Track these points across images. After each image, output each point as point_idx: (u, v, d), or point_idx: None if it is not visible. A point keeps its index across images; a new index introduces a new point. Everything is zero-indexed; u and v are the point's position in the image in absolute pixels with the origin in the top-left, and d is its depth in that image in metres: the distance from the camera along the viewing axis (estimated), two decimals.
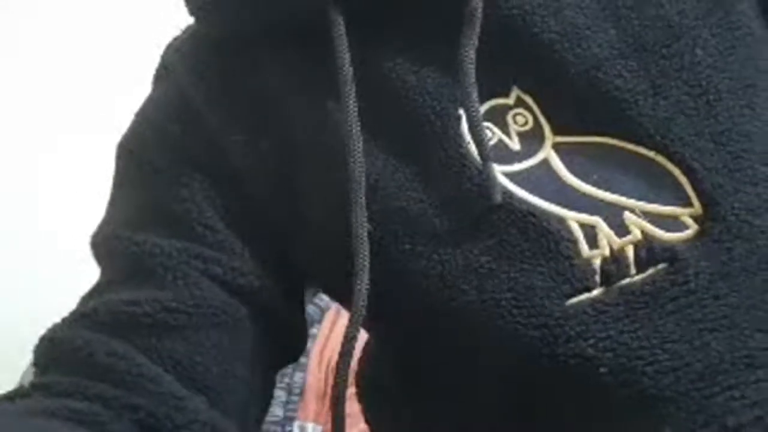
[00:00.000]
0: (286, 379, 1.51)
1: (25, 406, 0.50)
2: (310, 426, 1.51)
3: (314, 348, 1.55)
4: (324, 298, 1.58)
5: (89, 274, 0.59)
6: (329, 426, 1.53)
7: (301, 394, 1.52)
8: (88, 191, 0.61)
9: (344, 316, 1.58)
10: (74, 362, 0.52)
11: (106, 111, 0.62)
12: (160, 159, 0.58)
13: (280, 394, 1.49)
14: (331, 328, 1.59)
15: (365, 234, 0.52)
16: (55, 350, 0.53)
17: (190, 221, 0.56)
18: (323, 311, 1.57)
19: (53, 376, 0.52)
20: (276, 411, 1.48)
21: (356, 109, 0.53)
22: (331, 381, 1.55)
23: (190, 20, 0.63)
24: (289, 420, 1.49)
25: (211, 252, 0.56)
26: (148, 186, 0.59)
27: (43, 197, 1.75)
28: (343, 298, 0.58)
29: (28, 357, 0.55)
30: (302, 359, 1.52)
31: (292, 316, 0.60)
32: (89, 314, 0.54)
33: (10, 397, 0.52)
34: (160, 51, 0.64)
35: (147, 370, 0.51)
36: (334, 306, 1.60)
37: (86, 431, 0.48)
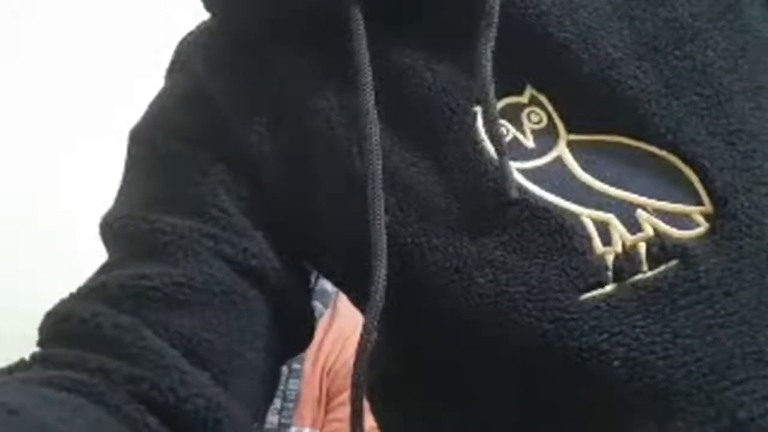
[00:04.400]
0: (281, 386, 1.50)
1: (21, 376, 0.49)
2: (307, 431, 1.51)
3: (308, 354, 1.55)
4: (317, 305, 1.58)
5: None
6: (326, 431, 1.53)
7: (296, 400, 1.51)
8: (106, 192, 0.61)
9: (337, 324, 1.58)
10: (80, 334, 0.51)
11: (121, 113, 0.62)
12: (174, 145, 0.58)
13: (274, 401, 1.48)
14: (325, 335, 1.58)
15: (383, 225, 0.52)
16: (61, 323, 0.53)
17: (203, 203, 0.56)
18: (316, 318, 1.57)
19: (56, 349, 0.51)
20: (271, 418, 1.47)
21: (374, 102, 0.53)
22: (325, 386, 1.55)
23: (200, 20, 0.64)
24: (284, 427, 1.48)
25: (223, 233, 0.55)
26: (161, 170, 0.58)
27: (63, 195, 1.75)
28: (356, 290, 0.58)
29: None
30: (296, 365, 1.52)
31: (301, 303, 0.60)
32: (97, 288, 0.54)
33: (9, 370, 0.51)
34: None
35: (152, 343, 0.51)
36: (328, 313, 1.60)
37: (82, 400, 0.47)
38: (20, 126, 1.80)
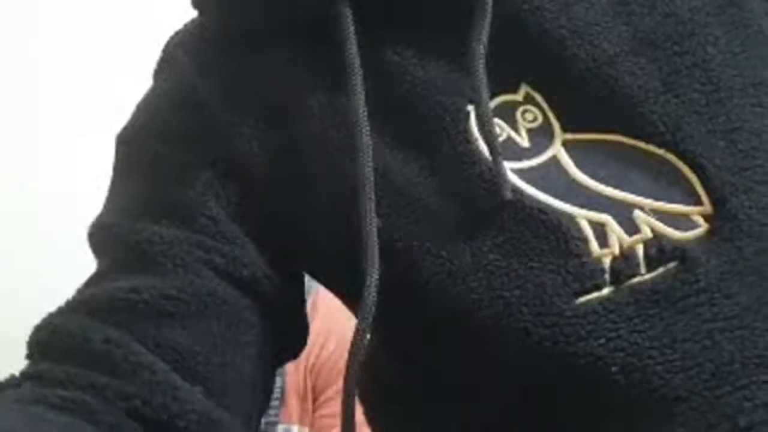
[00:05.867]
0: None
1: (13, 394, 0.48)
2: (295, 428, 1.49)
3: None
4: None
5: None
6: (315, 428, 1.52)
7: (281, 398, 1.50)
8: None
9: (318, 319, 1.57)
10: (69, 349, 0.50)
11: (122, 113, 0.61)
12: (162, 148, 0.57)
13: None
14: None
15: (374, 230, 0.50)
16: (50, 338, 0.51)
17: (192, 211, 0.54)
18: None
19: (46, 365, 0.50)
20: None
21: (364, 104, 0.52)
22: (310, 382, 1.54)
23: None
24: (271, 425, 1.47)
25: (212, 242, 0.54)
26: (148, 175, 0.57)
27: (62, 195, 1.74)
28: (348, 294, 0.57)
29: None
30: None
31: (293, 310, 0.59)
32: (86, 301, 0.52)
33: (1, 387, 0.50)
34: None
35: (143, 359, 0.50)
36: (309, 306, 1.58)
37: (74, 419, 0.46)
38: (19, 126, 1.79)
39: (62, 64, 1.83)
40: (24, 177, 1.78)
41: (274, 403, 1.48)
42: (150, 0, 1.80)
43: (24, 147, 1.79)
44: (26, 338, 0.53)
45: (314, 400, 1.52)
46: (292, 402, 1.51)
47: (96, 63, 1.82)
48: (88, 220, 0.58)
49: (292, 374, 1.51)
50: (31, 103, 1.82)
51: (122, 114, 0.61)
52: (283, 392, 1.50)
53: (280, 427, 1.48)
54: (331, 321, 1.48)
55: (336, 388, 1.48)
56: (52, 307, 0.54)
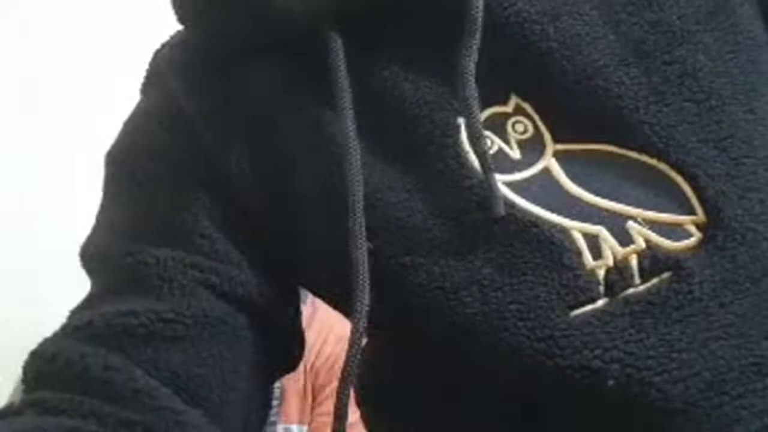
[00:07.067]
0: None
1: (17, 425, 0.47)
2: (295, 428, 1.50)
3: None
4: None
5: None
6: (313, 427, 1.52)
7: (281, 397, 1.50)
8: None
9: (317, 320, 1.56)
10: (69, 377, 0.49)
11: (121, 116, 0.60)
12: (152, 166, 0.56)
13: None
14: (306, 329, 1.57)
15: (365, 254, 0.49)
16: (48, 365, 0.51)
17: (186, 230, 0.54)
18: None
19: (46, 393, 0.49)
20: None
21: (353, 122, 0.50)
22: (309, 382, 1.54)
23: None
24: (270, 425, 1.47)
25: (208, 262, 0.53)
26: (140, 194, 0.56)
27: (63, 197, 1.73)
28: (343, 309, 0.56)
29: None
30: None
31: (290, 324, 0.58)
32: (83, 327, 0.51)
33: (1, 415, 0.49)
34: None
35: (144, 384, 0.49)
36: (308, 309, 1.58)
37: None
38: (19, 127, 1.78)
39: (62, 65, 1.82)
40: (24, 177, 1.77)
41: (274, 402, 1.48)
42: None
43: (24, 147, 1.78)
44: (26, 349, 0.53)
45: (313, 399, 1.52)
46: (292, 401, 1.51)
47: (96, 63, 1.80)
48: (88, 220, 0.58)
49: (291, 374, 1.52)
50: (31, 102, 1.81)
51: (122, 114, 0.61)
52: (282, 392, 1.50)
53: (280, 427, 1.48)
54: (329, 322, 1.48)
55: (334, 387, 1.48)
56: (52, 307, 0.54)
